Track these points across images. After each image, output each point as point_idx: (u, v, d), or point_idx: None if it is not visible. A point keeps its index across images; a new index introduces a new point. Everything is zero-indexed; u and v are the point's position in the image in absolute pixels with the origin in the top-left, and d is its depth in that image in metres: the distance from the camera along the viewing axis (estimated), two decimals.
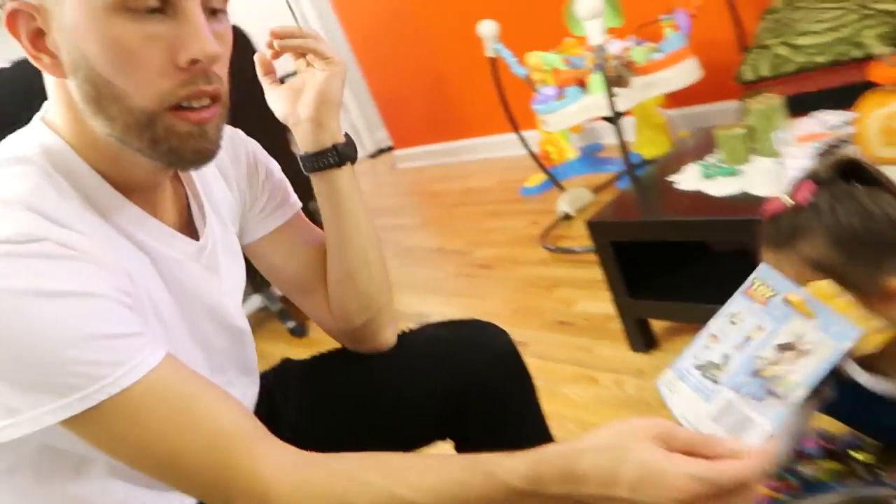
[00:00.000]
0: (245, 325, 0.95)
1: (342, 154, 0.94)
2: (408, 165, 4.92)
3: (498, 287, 2.49)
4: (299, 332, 2.69)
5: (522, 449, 0.66)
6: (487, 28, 2.69)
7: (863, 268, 0.79)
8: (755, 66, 2.39)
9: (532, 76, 2.65)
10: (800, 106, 1.99)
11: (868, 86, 1.37)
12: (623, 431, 0.63)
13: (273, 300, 2.81)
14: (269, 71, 0.98)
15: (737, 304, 0.81)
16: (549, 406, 1.73)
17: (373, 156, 5.62)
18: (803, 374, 0.68)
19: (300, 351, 2.71)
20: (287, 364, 1.13)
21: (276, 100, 0.95)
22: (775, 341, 0.72)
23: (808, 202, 0.81)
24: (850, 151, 0.93)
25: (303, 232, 1.03)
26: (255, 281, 2.86)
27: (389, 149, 5.28)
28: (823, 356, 0.69)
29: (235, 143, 0.97)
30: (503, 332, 1.10)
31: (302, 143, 0.94)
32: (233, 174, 0.96)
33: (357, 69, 4.92)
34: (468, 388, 0.98)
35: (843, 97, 1.44)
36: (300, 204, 1.06)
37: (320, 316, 1.03)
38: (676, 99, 3.18)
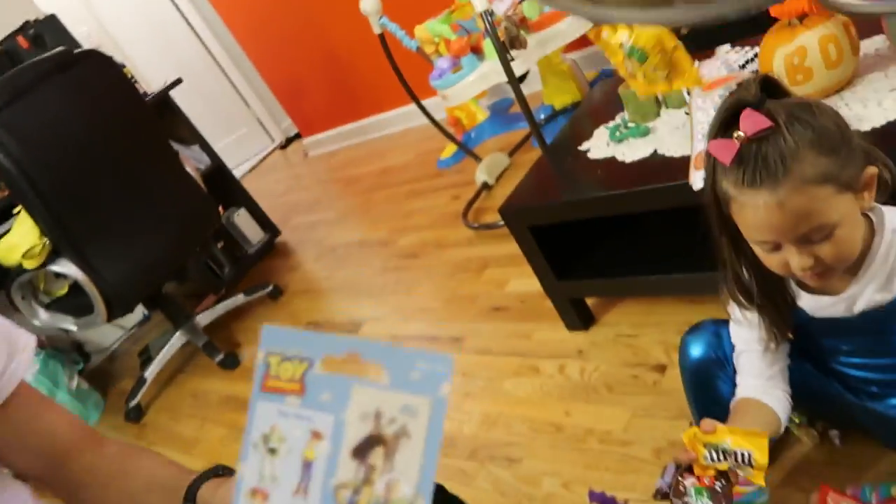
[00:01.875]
0: None
1: None
2: (320, 151, 4.70)
3: (427, 277, 2.36)
4: (230, 363, 2.51)
5: None
6: (369, 4, 2.49)
7: (851, 163, 0.78)
8: None
9: (424, 49, 2.48)
10: (701, 39, 1.89)
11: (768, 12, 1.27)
12: None
13: (197, 334, 2.61)
14: None
15: (261, 414, 0.52)
16: (495, 407, 1.64)
17: (283, 147, 5.35)
18: (415, 471, 0.44)
19: (236, 385, 2.59)
20: None
21: None
22: (345, 446, 0.47)
23: (768, 126, 0.77)
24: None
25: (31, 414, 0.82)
26: (174, 316, 2.67)
27: (298, 136, 5.04)
28: (423, 424, 0.45)
29: None
30: None
31: None
32: None
33: (248, 61, 4.62)
34: None
35: (743, 26, 1.33)
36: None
37: None
38: (578, 41, 3.05)
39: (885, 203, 0.87)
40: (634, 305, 1.66)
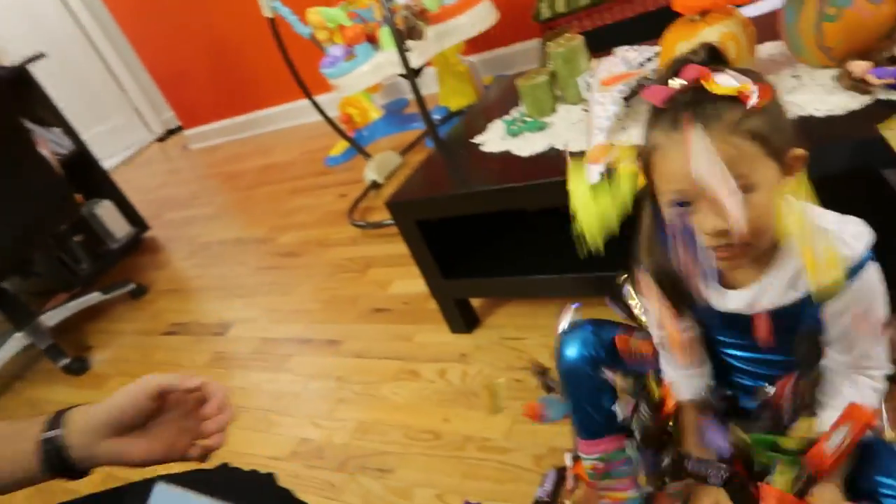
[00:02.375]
0: None
1: None
2: (202, 145, 4.41)
3: (306, 277, 2.20)
4: (77, 368, 2.22)
5: None
6: None
7: (782, 134, 0.75)
8: (551, 2, 2.26)
9: (317, 35, 2.34)
10: (600, 41, 1.86)
11: (666, 13, 1.24)
12: None
13: (41, 336, 2.31)
14: None
15: None
16: (370, 413, 1.51)
17: (161, 139, 5.00)
18: None
19: (83, 393, 2.30)
20: None
21: None
22: None
23: (707, 72, 0.74)
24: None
25: None
26: (15, 315, 2.35)
27: (180, 129, 4.72)
28: None
29: None
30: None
31: None
32: None
33: (128, 44, 4.28)
34: None
35: (642, 26, 1.31)
36: None
37: None
38: (476, 44, 3.01)
39: None
40: (520, 307, 1.59)
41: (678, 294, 0.86)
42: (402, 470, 1.31)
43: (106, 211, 3.03)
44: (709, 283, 0.85)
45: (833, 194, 0.94)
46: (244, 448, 1.55)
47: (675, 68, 0.76)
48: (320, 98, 2.66)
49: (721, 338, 0.91)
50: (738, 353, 0.92)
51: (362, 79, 2.07)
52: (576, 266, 1.31)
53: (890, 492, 0.78)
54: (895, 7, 1.05)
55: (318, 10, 2.24)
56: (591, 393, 0.99)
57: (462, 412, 1.38)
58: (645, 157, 0.79)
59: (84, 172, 2.99)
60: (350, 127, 3.04)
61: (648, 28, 1.41)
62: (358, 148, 2.73)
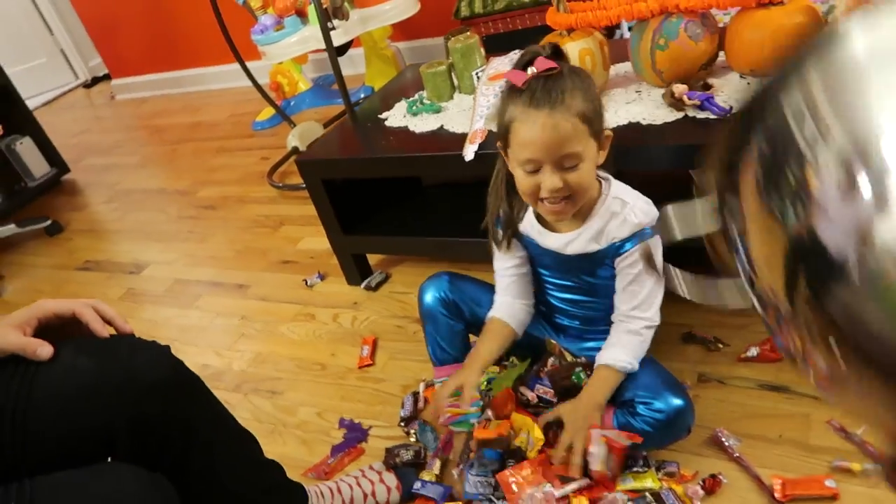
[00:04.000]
0: None
1: None
2: (129, 96, 4.43)
3: (222, 228, 2.37)
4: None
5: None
6: None
7: (600, 121, 1.02)
8: (470, 2, 2.49)
9: (251, 3, 2.48)
10: (508, 43, 2.09)
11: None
12: None
13: None
14: None
15: None
16: (267, 346, 1.71)
17: (87, 85, 4.96)
18: None
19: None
20: None
21: None
22: None
23: (555, 67, 0.97)
24: None
25: None
26: None
27: (107, 77, 4.70)
28: None
29: None
30: (164, 355, 0.87)
31: None
32: None
33: None
34: (115, 424, 0.80)
35: (541, 35, 1.53)
36: None
37: None
38: (405, 32, 3.22)
39: None
40: (412, 266, 1.82)
41: (514, 230, 1.14)
42: (290, 392, 1.53)
43: (25, 148, 3.06)
44: (534, 225, 1.13)
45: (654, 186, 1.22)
46: None
47: (529, 58, 1.00)
48: (252, 64, 2.80)
49: (543, 271, 1.19)
50: (563, 295, 1.20)
51: (289, 49, 2.24)
52: (459, 232, 1.55)
53: (642, 400, 1.06)
54: (711, 45, 1.32)
55: None
56: (444, 329, 1.27)
57: (348, 349, 1.60)
58: (503, 127, 1.02)
59: (5, 107, 3.01)
60: (279, 95, 3.18)
61: (544, 36, 1.65)
62: (283, 115, 2.89)
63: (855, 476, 1.03)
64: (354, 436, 1.35)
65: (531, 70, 0.98)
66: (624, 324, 1.10)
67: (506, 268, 1.21)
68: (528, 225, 1.16)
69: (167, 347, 0.88)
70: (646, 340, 1.10)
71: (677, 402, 1.05)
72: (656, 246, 1.05)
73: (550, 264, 1.17)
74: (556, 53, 1.03)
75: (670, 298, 1.44)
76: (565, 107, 0.95)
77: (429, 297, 1.28)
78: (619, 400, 1.09)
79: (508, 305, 1.21)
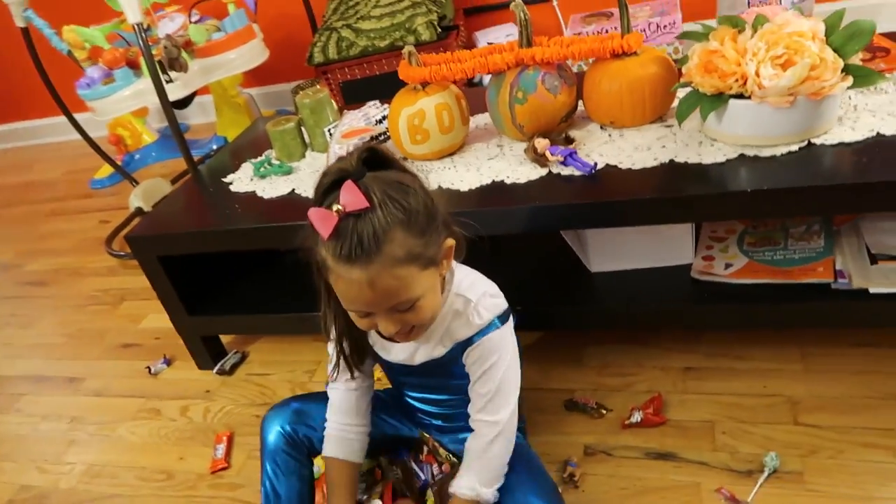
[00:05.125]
0: None
1: None
2: None
3: (52, 309, 2.07)
4: None
5: None
6: None
7: (434, 241, 0.84)
8: (323, 48, 2.36)
9: (76, 54, 2.23)
10: (364, 90, 1.96)
11: None
12: None
13: None
14: None
15: None
16: (103, 454, 1.45)
17: None
18: None
19: None
20: None
21: None
22: None
23: (364, 207, 0.77)
24: (385, 147, 0.90)
25: None
26: None
27: None
28: None
29: None
30: None
31: None
32: None
33: None
34: None
35: (393, 87, 1.43)
36: None
37: None
38: (258, 77, 3.04)
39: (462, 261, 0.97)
40: (268, 344, 1.64)
41: (358, 348, 0.99)
42: None
43: None
44: (375, 341, 0.99)
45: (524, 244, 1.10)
46: None
47: (335, 179, 0.80)
48: (87, 116, 2.52)
49: (396, 376, 1.06)
50: (420, 395, 1.07)
51: (121, 104, 2.02)
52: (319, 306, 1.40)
53: None
54: (570, 97, 1.27)
55: (74, 28, 2.14)
56: (284, 471, 1.07)
57: (199, 450, 1.39)
58: (320, 264, 0.83)
59: None
60: (120, 149, 2.90)
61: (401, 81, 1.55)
62: (123, 173, 2.61)
63: None
64: None
65: (336, 208, 0.77)
66: (476, 437, 0.97)
67: (341, 382, 1.05)
68: (371, 337, 1.02)
69: None
70: (502, 449, 0.96)
71: None
72: (506, 333, 0.96)
73: (402, 371, 1.03)
74: (372, 159, 0.83)
75: (550, 360, 1.37)
76: (383, 258, 0.78)
77: (272, 435, 1.07)
78: None
79: (339, 437, 1.05)
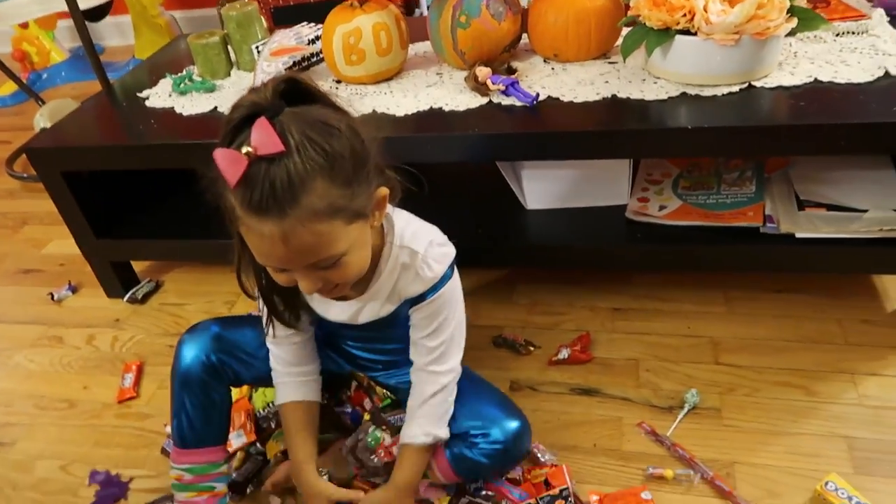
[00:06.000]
0: None
1: None
2: None
3: None
4: None
5: None
6: None
7: (363, 191, 0.73)
8: None
9: None
10: (296, 18, 1.84)
11: None
12: None
13: None
14: None
15: None
16: (2, 384, 1.37)
17: None
18: None
19: None
20: None
21: None
22: None
23: (279, 151, 0.64)
24: (308, 77, 0.77)
25: None
26: None
27: None
28: None
29: None
30: None
31: None
32: None
33: None
34: None
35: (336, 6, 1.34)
36: None
37: None
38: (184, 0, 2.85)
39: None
40: (185, 274, 1.55)
41: (290, 305, 0.91)
42: (25, 442, 1.21)
43: None
44: (313, 298, 0.92)
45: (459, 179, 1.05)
46: None
47: (245, 114, 0.67)
48: None
49: (341, 331, 1.00)
50: (360, 345, 1.03)
51: (24, 9, 1.84)
52: None
53: (478, 432, 0.92)
54: (514, 25, 1.22)
55: None
56: (199, 400, 0.96)
57: (106, 379, 1.31)
58: (229, 211, 0.71)
59: None
60: (25, 67, 2.67)
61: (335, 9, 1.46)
62: (29, 91, 2.39)
63: (668, 483, 0.99)
64: (110, 492, 1.08)
65: (246, 150, 0.64)
66: (421, 385, 0.92)
67: (281, 336, 0.96)
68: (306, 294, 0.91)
69: None
70: (450, 392, 0.93)
71: (514, 424, 0.92)
72: (456, 283, 0.91)
73: (342, 326, 0.96)
74: (292, 92, 0.70)
75: (480, 297, 1.35)
76: (299, 211, 0.66)
77: (188, 357, 0.96)
78: (452, 433, 0.94)
79: (294, 383, 0.98)
